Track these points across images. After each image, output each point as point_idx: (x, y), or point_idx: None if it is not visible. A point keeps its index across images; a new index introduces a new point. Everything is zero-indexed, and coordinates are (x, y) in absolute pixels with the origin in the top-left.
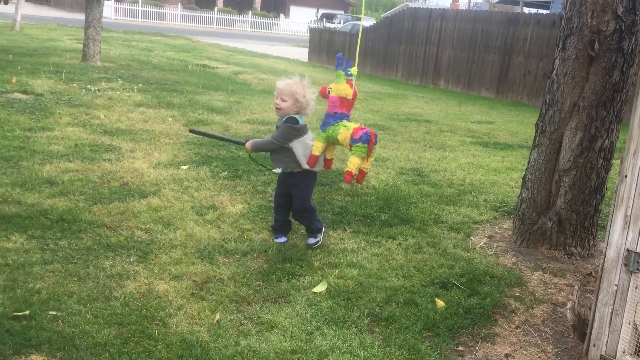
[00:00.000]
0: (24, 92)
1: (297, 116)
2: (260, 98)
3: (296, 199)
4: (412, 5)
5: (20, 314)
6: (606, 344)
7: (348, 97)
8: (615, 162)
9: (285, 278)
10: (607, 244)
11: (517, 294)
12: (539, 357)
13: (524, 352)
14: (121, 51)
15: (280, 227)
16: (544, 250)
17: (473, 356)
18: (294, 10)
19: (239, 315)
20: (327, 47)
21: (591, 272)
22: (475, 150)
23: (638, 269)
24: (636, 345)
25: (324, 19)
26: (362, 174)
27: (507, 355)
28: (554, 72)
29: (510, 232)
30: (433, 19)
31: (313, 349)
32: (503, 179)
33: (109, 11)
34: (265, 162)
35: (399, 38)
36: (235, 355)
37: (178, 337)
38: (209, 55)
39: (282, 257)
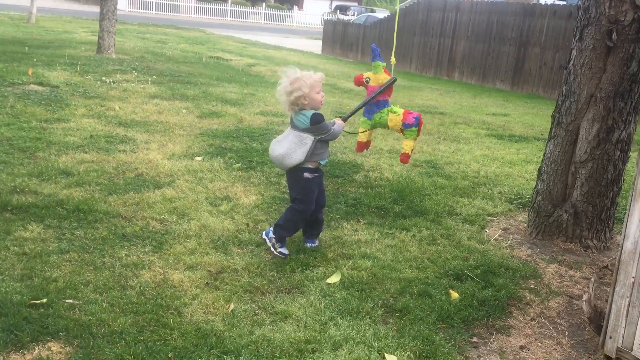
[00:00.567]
0: (40, 84)
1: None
2: (273, 90)
3: (324, 194)
4: None
5: (37, 302)
6: (623, 337)
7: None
8: (633, 154)
9: (299, 269)
10: (624, 236)
11: (532, 286)
12: (555, 349)
13: (539, 344)
14: (135, 43)
15: (313, 230)
16: (559, 243)
17: (488, 348)
18: (307, 2)
19: (253, 305)
20: (340, 40)
21: (607, 265)
22: (489, 143)
23: None
24: None
25: (338, 11)
26: (406, 155)
27: (522, 347)
28: (571, 62)
29: (525, 225)
30: (448, 10)
31: (327, 339)
32: (518, 171)
33: (123, 3)
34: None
35: (414, 30)
36: (249, 345)
37: (193, 326)
38: (222, 47)
39: (296, 248)
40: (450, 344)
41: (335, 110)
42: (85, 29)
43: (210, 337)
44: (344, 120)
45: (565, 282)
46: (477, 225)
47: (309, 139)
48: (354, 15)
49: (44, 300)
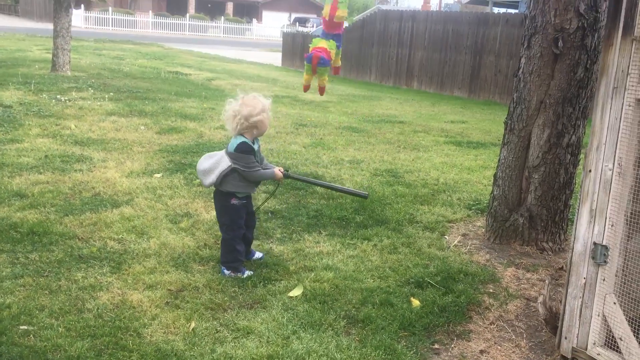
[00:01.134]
0: None
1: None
2: None
3: (254, 215)
4: (384, 7)
5: None
6: (577, 337)
7: (325, 17)
8: (583, 158)
9: (261, 283)
10: (574, 238)
11: (491, 291)
12: (513, 352)
13: (499, 347)
14: (92, 60)
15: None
16: (516, 246)
17: (449, 354)
18: (266, 15)
19: (215, 323)
20: (300, 51)
21: (562, 267)
22: (448, 150)
23: (605, 261)
24: (606, 337)
25: (297, 23)
26: (320, 88)
27: (482, 352)
28: (521, 70)
29: (483, 230)
30: (404, 20)
31: (290, 353)
32: (476, 177)
33: (78, 20)
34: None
35: (372, 40)
36: None
37: (153, 347)
38: (181, 62)
39: (258, 263)
40: (412, 352)
41: (295, 122)
42: (39, 47)
43: (171, 357)
44: (285, 176)
45: (522, 285)
46: (437, 232)
47: (225, 163)
48: (313, 27)
49: None
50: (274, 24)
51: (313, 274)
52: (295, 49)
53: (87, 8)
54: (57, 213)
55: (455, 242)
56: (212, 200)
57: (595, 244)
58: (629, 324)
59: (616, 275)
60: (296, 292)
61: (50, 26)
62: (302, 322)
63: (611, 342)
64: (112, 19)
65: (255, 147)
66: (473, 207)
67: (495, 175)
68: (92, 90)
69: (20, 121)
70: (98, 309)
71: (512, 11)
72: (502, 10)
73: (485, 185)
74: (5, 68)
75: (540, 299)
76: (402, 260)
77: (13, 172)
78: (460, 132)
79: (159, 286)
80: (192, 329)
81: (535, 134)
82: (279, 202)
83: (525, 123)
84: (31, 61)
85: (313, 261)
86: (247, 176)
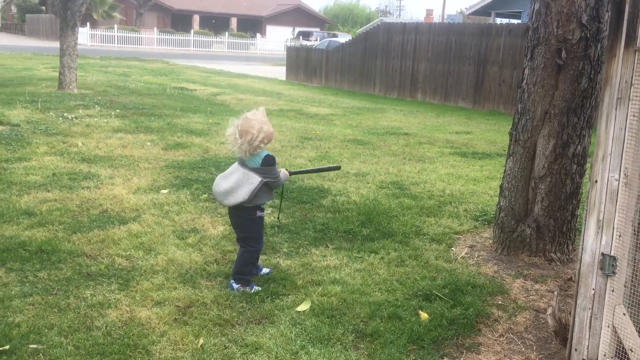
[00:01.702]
0: (0, 123)
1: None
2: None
3: None
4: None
5: (0, 349)
6: (587, 348)
7: None
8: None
9: (269, 298)
10: (582, 249)
11: (500, 303)
12: None
13: None
14: (98, 77)
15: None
16: (524, 258)
17: None
18: (270, 29)
19: (223, 339)
20: (304, 65)
21: (571, 277)
22: (454, 161)
23: (613, 272)
24: (616, 348)
25: (301, 37)
26: None
27: None
28: (524, 81)
29: (490, 241)
30: (407, 32)
31: None
32: (482, 188)
33: (84, 38)
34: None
35: (375, 53)
36: None
37: None
38: (186, 77)
39: (265, 278)
40: None
41: (301, 135)
42: (46, 65)
43: None
44: (290, 174)
45: (531, 297)
46: (444, 244)
47: (255, 179)
48: (316, 40)
49: (7, 347)
50: (277, 38)
51: (320, 288)
52: (299, 62)
53: (93, 26)
54: (65, 231)
55: (463, 253)
56: (218, 216)
57: (603, 254)
58: (639, 335)
59: (625, 286)
60: (304, 306)
61: (56, 44)
62: (310, 337)
63: (622, 354)
64: (117, 36)
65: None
66: (480, 219)
67: (501, 186)
68: (98, 108)
69: (28, 139)
70: (107, 326)
71: (515, 21)
72: (505, 20)
73: (491, 196)
74: (13, 87)
75: (550, 310)
76: (409, 273)
77: (21, 190)
78: (465, 143)
79: (167, 303)
80: (201, 345)
81: (541, 145)
82: (285, 216)
83: (530, 134)
84: (38, 80)
85: (320, 275)
86: (276, 185)
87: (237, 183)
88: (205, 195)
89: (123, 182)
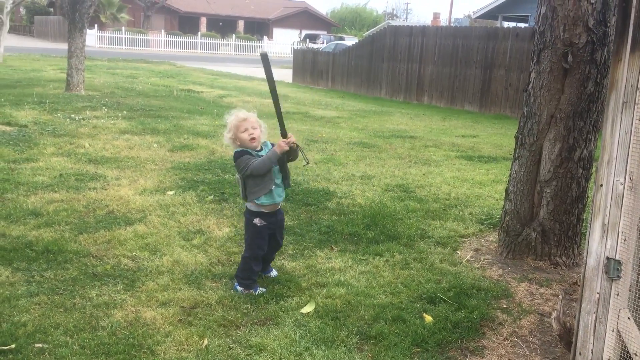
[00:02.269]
0: (8, 124)
1: None
2: None
3: (282, 237)
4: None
5: (6, 347)
6: (592, 352)
7: None
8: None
9: (273, 300)
10: (587, 253)
11: (504, 306)
12: None
13: None
14: (105, 79)
15: (265, 265)
16: (529, 261)
17: None
18: (277, 32)
19: (228, 340)
20: (310, 68)
21: (576, 281)
22: (460, 164)
23: (618, 276)
24: (621, 352)
25: (307, 40)
26: None
27: None
28: (530, 85)
29: (496, 245)
30: (414, 35)
31: None
32: (488, 191)
33: (92, 40)
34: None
35: (382, 56)
36: None
37: None
38: (193, 79)
39: (270, 279)
40: None
41: (307, 138)
42: (54, 67)
43: None
44: (284, 135)
45: (536, 300)
46: (449, 248)
47: (236, 177)
48: (323, 43)
49: (13, 346)
50: (284, 41)
51: (325, 290)
52: (305, 65)
53: (101, 28)
54: (72, 231)
55: (468, 257)
56: (224, 218)
57: (608, 258)
58: None
59: (630, 290)
60: (308, 308)
61: (64, 46)
62: (314, 339)
63: (626, 358)
64: (125, 38)
65: (262, 153)
66: (485, 222)
67: (506, 190)
68: (105, 109)
69: (35, 140)
70: (112, 326)
71: (522, 25)
72: (512, 24)
73: (497, 200)
74: (21, 88)
75: (554, 314)
76: (414, 276)
77: (28, 190)
78: (471, 146)
79: (172, 303)
80: (205, 346)
81: (547, 148)
82: (290, 218)
83: (536, 137)
84: (46, 81)
85: (325, 277)
86: (253, 172)
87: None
88: (211, 197)
89: (129, 183)
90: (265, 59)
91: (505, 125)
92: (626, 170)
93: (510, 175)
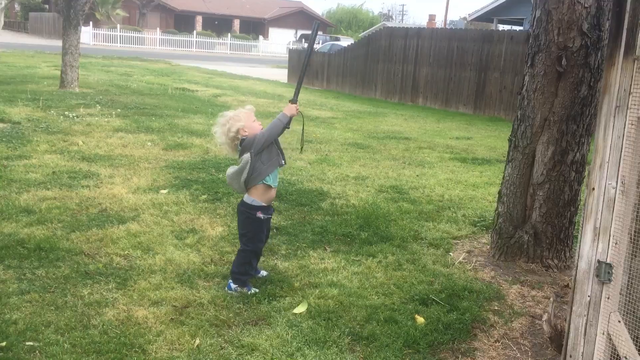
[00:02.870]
0: (1, 120)
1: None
2: None
3: (269, 231)
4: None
5: None
6: (582, 355)
7: None
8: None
9: (266, 300)
10: (579, 256)
11: (496, 308)
12: None
13: None
14: (100, 77)
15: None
16: (521, 264)
17: None
18: (273, 32)
19: (219, 339)
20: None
21: (568, 284)
22: (453, 166)
23: (609, 279)
24: (611, 355)
25: (303, 40)
26: None
27: None
28: (524, 88)
29: (488, 247)
30: (410, 37)
31: None
32: (481, 193)
33: (87, 37)
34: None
35: (377, 57)
36: None
37: None
38: (188, 78)
39: (263, 279)
40: None
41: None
42: (48, 64)
43: None
44: (294, 102)
45: (527, 303)
46: (441, 249)
47: (245, 160)
48: (318, 43)
49: (3, 344)
50: (280, 41)
51: (318, 291)
52: (300, 65)
53: (96, 25)
54: (64, 229)
55: (460, 258)
56: (217, 217)
57: (599, 262)
58: (633, 343)
59: (621, 294)
60: (301, 308)
61: (59, 43)
62: (306, 339)
63: None
64: (120, 36)
65: None
66: (478, 224)
67: (500, 192)
68: (99, 107)
69: (29, 137)
70: (103, 325)
71: (517, 28)
72: (507, 27)
73: (490, 202)
74: (15, 85)
75: (545, 316)
76: (406, 277)
77: (21, 188)
78: (465, 148)
79: (164, 302)
80: (197, 346)
81: (540, 151)
82: (284, 218)
83: (529, 140)
84: (40, 78)
85: (318, 277)
86: (272, 134)
87: (238, 168)
88: (204, 196)
89: (123, 181)
90: (315, 28)
91: (499, 127)
92: (618, 174)
93: (503, 178)
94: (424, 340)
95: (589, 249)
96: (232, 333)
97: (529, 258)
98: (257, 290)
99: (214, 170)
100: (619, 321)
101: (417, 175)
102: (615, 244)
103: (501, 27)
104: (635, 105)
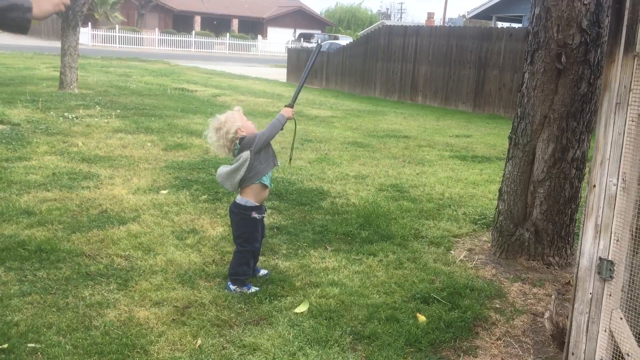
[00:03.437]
0: (0, 122)
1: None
2: None
3: (264, 228)
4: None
5: None
6: (584, 352)
7: None
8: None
9: (267, 299)
10: (580, 253)
11: (498, 306)
12: None
13: None
14: (99, 77)
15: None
16: (522, 261)
17: None
18: (271, 31)
19: (221, 339)
20: (305, 67)
21: (569, 281)
22: (453, 164)
23: (611, 276)
24: (613, 352)
25: (302, 39)
26: None
27: None
28: (524, 85)
29: (489, 244)
30: (408, 35)
31: None
32: (481, 191)
33: (86, 38)
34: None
35: (376, 55)
36: None
37: None
38: (187, 78)
39: (264, 279)
40: None
41: (301, 137)
42: (47, 65)
43: None
44: (291, 106)
45: (529, 300)
46: (442, 247)
47: (244, 157)
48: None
49: (5, 346)
50: (279, 40)
51: (319, 290)
52: (300, 64)
53: (95, 26)
54: (65, 230)
55: (461, 257)
56: (218, 217)
57: (601, 259)
58: (635, 339)
59: (622, 291)
60: (302, 308)
61: (57, 44)
62: (308, 339)
63: (618, 358)
64: (119, 36)
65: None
66: (479, 222)
67: (500, 190)
68: (99, 108)
69: (28, 139)
70: (105, 326)
71: (516, 25)
72: (506, 24)
73: (490, 200)
74: (14, 86)
75: (547, 314)
76: (407, 276)
77: (21, 189)
78: (465, 146)
79: (165, 303)
80: (199, 346)
81: (540, 149)
82: (284, 217)
83: (529, 138)
84: (39, 79)
85: (319, 277)
86: (272, 133)
87: (233, 168)
88: (204, 196)
89: (123, 182)
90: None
91: (499, 125)
92: (619, 171)
93: (503, 175)
94: (425, 339)
95: (591, 246)
96: (233, 333)
97: (530, 256)
98: (257, 289)
99: (214, 170)
100: (621, 318)
101: (417, 174)
102: (617, 240)
103: (500, 24)
104: (635, 102)
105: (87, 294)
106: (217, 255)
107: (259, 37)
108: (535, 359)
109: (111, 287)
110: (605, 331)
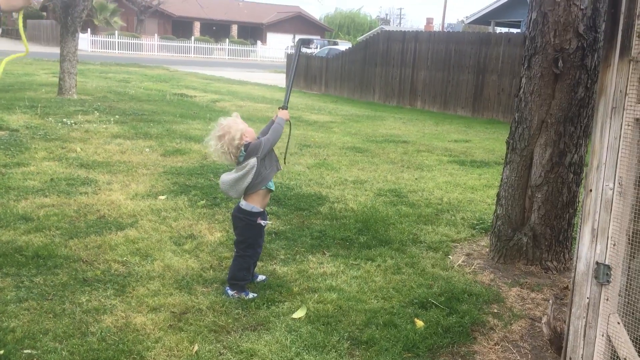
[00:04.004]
0: None
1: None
2: None
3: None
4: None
5: None
6: (582, 357)
7: None
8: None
9: (265, 305)
10: (577, 258)
11: (496, 311)
12: None
13: None
14: (98, 83)
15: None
16: (520, 266)
17: None
18: (270, 36)
19: (218, 345)
20: (304, 72)
21: (567, 286)
22: (452, 169)
23: (608, 281)
24: (611, 357)
25: (301, 45)
26: None
27: None
28: (521, 90)
29: (487, 249)
30: (407, 41)
31: None
32: (480, 196)
33: (85, 44)
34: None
35: (375, 61)
36: None
37: None
38: (186, 84)
39: (262, 284)
40: None
41: (300, 142)
42: (46, 71)
43: None
44: (285, 108)
45: (527, 305)
46: (441, 252)
47: (251, 164)
48: (316, 48)
49: (1, 352)
50: (278, 46)
51: (317, 295)
52: (298, 70)
53: (94, 32)
54: (62, 236)
55: (459, 262)
56: (216, 223)
57: (597, 263)
58: (633, 344)
59: (619, 295)
60: (300, 313)
61: (57, 50)
62: (305, 344)
63: None
64: (118, 42)
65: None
66: (477, 227)
67: (498, 195)
68: (97, 114)
69: (27, 145)
70: (102, 332)
71: (514, 31)
72: (504, 29)
73: (489, 205)
74: (13, 92)
75: (545, 319)
76: (405, 281)
77: (19, 195)
78: (463, 151)
79: (162, 309)
80: (196, 352)
81: (538, 153)
82: (282, 222)
83: (527, 142)
84: (38, 85)
85: (317, 282)
86: (276, 137)
87: (239, 175)
88: (203, 202)
89: (121, 187)
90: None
91: (498, 130)
92: (615, 175)
93: (501, 180)
94: (423, 344)
95: (587, 250)
96: (231, 339)
97: (528, 260)
98: (255, 295)
99: (212, 175)
100: (618, 322)
101: (416, 179)
102: (614, 245)
103: (499, 29)
104: (631, 106)
105: (84, 300)
106: (214, 261)
107: (259, 42)
108: None
109: (108, 293)
110: (602, 336)
